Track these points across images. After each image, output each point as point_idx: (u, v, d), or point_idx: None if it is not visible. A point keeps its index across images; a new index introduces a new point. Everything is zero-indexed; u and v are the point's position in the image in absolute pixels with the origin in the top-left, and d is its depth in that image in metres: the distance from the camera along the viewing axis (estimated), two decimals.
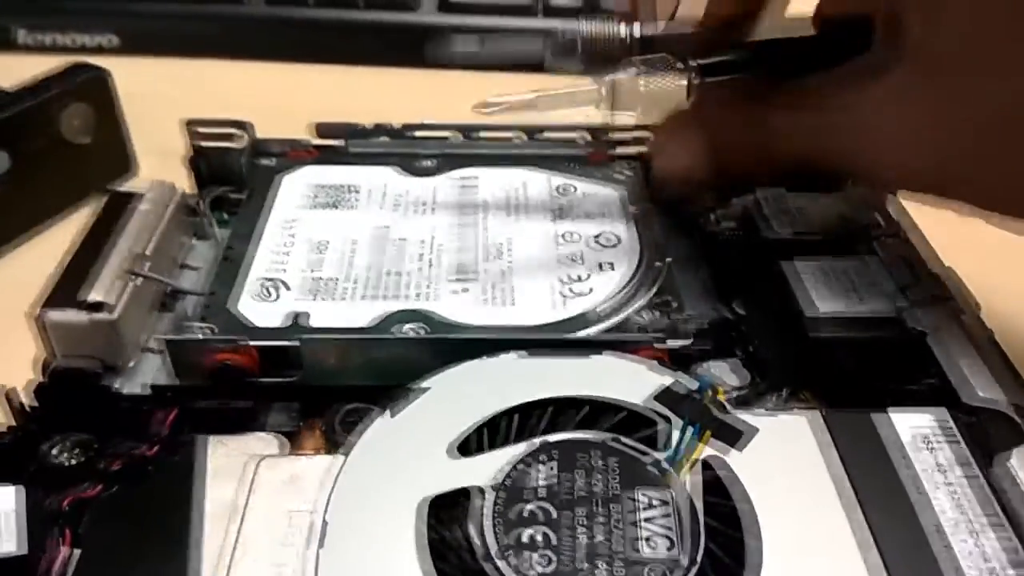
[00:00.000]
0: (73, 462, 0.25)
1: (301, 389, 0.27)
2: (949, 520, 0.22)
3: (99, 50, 0.53)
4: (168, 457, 0.25)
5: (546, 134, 0.39)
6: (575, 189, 0.35)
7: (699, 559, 0.21)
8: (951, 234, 0.33)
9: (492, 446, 0.24)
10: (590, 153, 0.38)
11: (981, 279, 0.31)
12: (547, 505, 0.22)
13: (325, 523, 0.22)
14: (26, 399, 0.26)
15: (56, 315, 0.26)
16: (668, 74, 0.30)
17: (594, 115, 0.45)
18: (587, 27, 0.33)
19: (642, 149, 0.39)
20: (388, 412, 0.24)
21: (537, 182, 0.35)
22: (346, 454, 0.23)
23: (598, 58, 0.33)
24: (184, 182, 0.37)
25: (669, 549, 0.21)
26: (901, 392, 0.28)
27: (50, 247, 0.31)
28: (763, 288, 0.32)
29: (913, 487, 0.23)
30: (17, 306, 0.28)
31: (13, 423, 0.26)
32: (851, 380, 0.28)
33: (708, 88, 0.29)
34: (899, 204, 0.33)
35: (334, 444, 0.25)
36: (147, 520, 0.23)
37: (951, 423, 0.24)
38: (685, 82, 0.30)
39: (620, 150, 0.39)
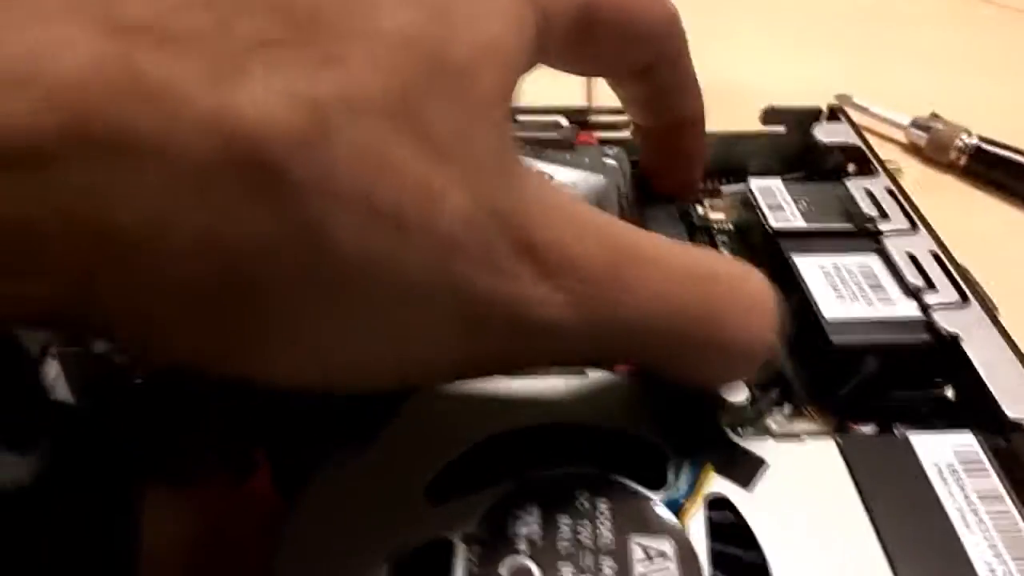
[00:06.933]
0: None
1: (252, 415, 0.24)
2: (985, 565, 0.19)
3: None
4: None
5: (521, 118, 0.35)
6: (552, 179, 0.32)
7: None
8: (961, 231, 0.30)
9: (469, 486, 0.21)
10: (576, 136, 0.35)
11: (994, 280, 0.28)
12: (528, 561, 0.19)
13: None
14: None
15: None
16: None
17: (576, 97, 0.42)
18: None
19: (627, 134, 0.36)
20: (345, 450, 0.21)
21: None
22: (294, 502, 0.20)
23: None
24: None
25: None
26: (930, 404, 0.26)
27: None
28: None
29: (943, 525, 0.20)
30: None
31: None
32: (877, 391, 0.26)
33: None
34: (907, 196, 0.31)
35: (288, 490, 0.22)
36: None
37: (982, 447, 0.22)
38: None
39: (604, 134, 0.36)
